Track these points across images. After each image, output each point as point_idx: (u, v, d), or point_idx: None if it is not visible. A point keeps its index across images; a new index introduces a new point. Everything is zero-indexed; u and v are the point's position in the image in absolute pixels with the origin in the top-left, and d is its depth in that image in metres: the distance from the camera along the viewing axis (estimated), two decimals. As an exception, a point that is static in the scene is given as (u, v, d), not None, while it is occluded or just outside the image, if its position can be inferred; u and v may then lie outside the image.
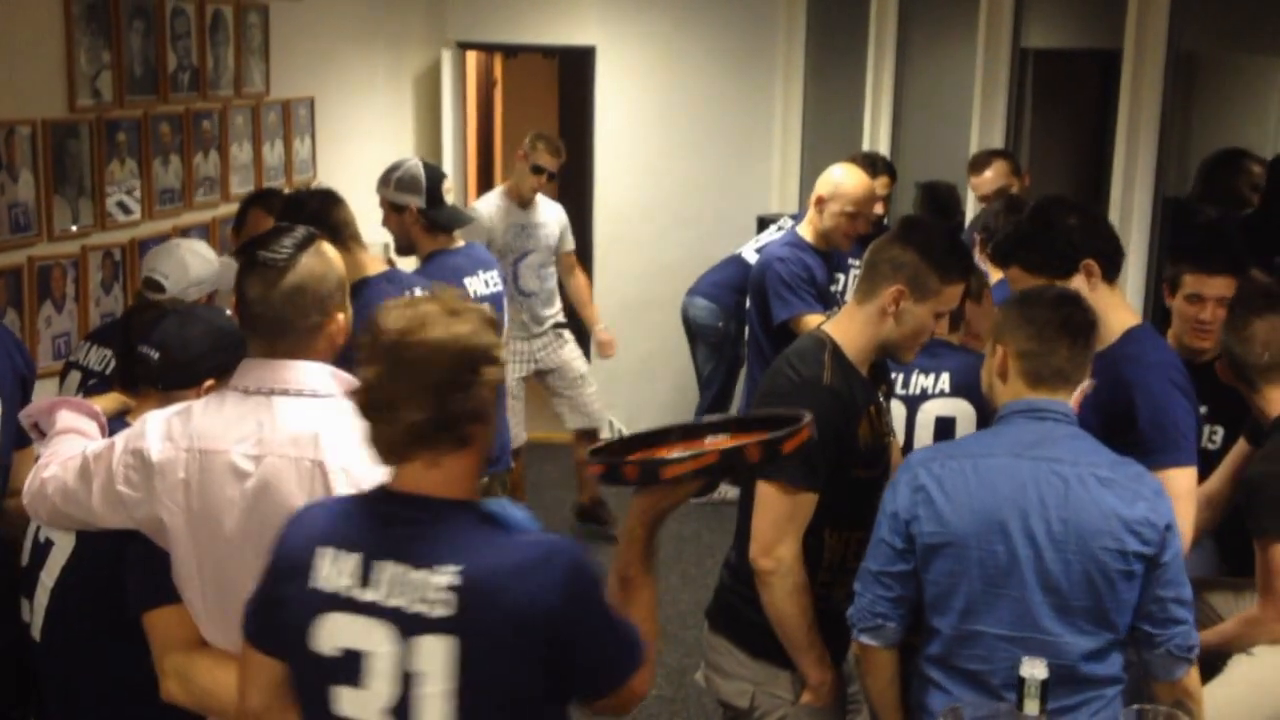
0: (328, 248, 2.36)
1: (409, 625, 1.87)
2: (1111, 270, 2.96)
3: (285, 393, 2.24)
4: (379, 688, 1.88)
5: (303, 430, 2.19)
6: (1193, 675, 2.57)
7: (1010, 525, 2.46)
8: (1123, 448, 2.66)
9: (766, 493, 2.72)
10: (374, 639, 1.88)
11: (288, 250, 2.27)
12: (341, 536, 1.94)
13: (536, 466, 6.41)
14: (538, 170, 5.85)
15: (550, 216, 6.00)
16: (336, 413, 2.23)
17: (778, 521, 2.70)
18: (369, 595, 1.89)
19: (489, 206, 5.86)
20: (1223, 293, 3.39)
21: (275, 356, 2.27)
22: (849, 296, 3.21)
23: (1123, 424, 2.79)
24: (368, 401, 1.94)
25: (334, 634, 1.91)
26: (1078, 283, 2.88)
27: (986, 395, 2.75)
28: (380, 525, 1.93)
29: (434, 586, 1.85)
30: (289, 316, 2.26)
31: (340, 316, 2.34)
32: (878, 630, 2.59)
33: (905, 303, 2.75)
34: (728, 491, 5.78)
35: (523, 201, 5.90)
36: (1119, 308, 2.99)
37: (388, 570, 1.89)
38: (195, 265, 3.59)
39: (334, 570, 1.92)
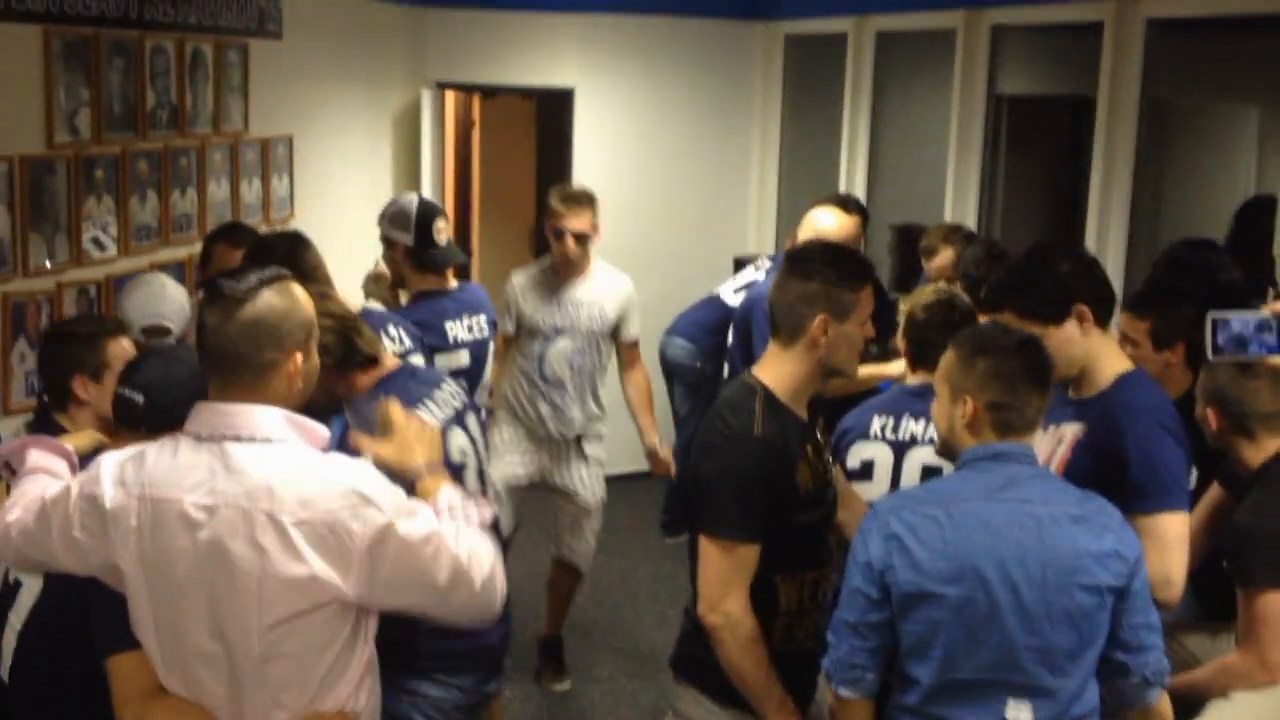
0: (297, 289, 2.31)
1: None
2: (1104, 315, 2.95)
3: (238, 439, 2.20)
4: None
5: (256, 481, 2.16)
6: (1165, 702, 2.57)
7: (987, 571, 2.46)
8: (1115, 492, 2.66)
9: (707, 548, 2.70)
10: None
11: (250, 284, 2.23)
12: None
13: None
14: (557, 235, 4.72)
15: (601, 294, 4.82)
16: (291, 460, 2.20)
17: (721, 577, 2.68)
18: None
19: (521, 275, 4.94)
20: (1127, 331, 3.62)
21: (229, 394, 2.22)
22: None
23: (1115, 469, 2.79)
24: None
25: None
26: (1069, 328, 2.88)
27: (944, 440, 2.72)
28: None
29: None
30: (243, 350, 2.21)
31: (298, 357, 2.27)
32: (856, 682, 2.56)
33: (832, 328, 2.75)
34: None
35: (562, 272, 4.81)
36: (1112, 353, 2.98)
37: None
38: (184, 298, 3.59)
39: None
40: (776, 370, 2.80)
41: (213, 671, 2.19)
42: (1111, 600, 2.47)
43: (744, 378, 2.85)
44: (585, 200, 4.73)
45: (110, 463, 2.24)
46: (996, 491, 2.52)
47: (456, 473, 2.91)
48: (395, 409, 2.58)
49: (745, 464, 2.66)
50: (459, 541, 2.26)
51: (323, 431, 2.32)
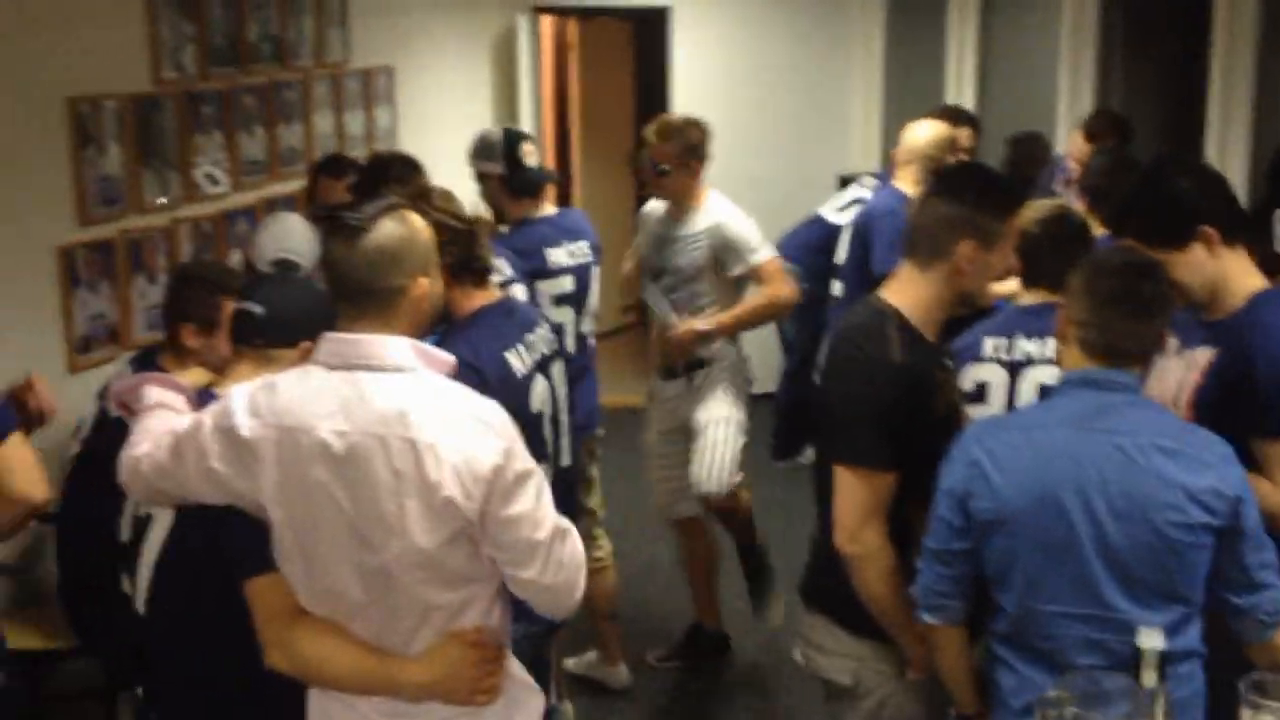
0: (413, 216, 2.35)
1: None
2: (1232, 233, 2.77)
3: (369, 368, 2.22)
4: None
5: (389, 408, 2.18)
6: None
7: (1067, 500, 2.38)
8: (1248, 417, 2.57)
9: (844, 478, 2.65)
10: None
11: (370, 213, 2.27)
12: None
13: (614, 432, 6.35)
14: (654, 168, 4.43)
15: (702, 228, 4.41)
16: (421, 388, 2.22)
17: (859, 506, 2.64)
18: None
19: (650, 205, 4.69)
20: None
21: (359, 324, 2.26)
22: None
23: (1245, 392, 2.68)
24: None
25: None
26: (1196, 251, 2.75)
27: (1057, 357, 2.66)
28: None
29: None
30: (369, 279, 2.25)
31: (424, 281, 2.31)
32: (941, 609, 2.53)
33: (979, 255, 2.68)
34: (812, 455, 5.76)
35: (672, 210, 4.51)
36: (1244, 272, 2.79)
37: None
38: (312, 237, 3.62)
39: None
40: (910, 293, 2.72)
41: (354, 594, 2.23)
42: (1209, 539, 2.37)
43: (872, 301, 2.77)
44: (665, 130, 4.44)
45: (241, 394, 2.26)
46: (1085, 419, 2.43)
47: (534, 422, 2.91)
48: None
49: (883, 391, 2.60)
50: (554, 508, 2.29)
51: (449, 359, 2.34)
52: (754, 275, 4.41)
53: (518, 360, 2.91)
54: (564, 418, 3.17)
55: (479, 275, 2.95)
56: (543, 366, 3.03)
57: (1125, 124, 5.33)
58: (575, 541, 2.32)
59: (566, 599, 2.33)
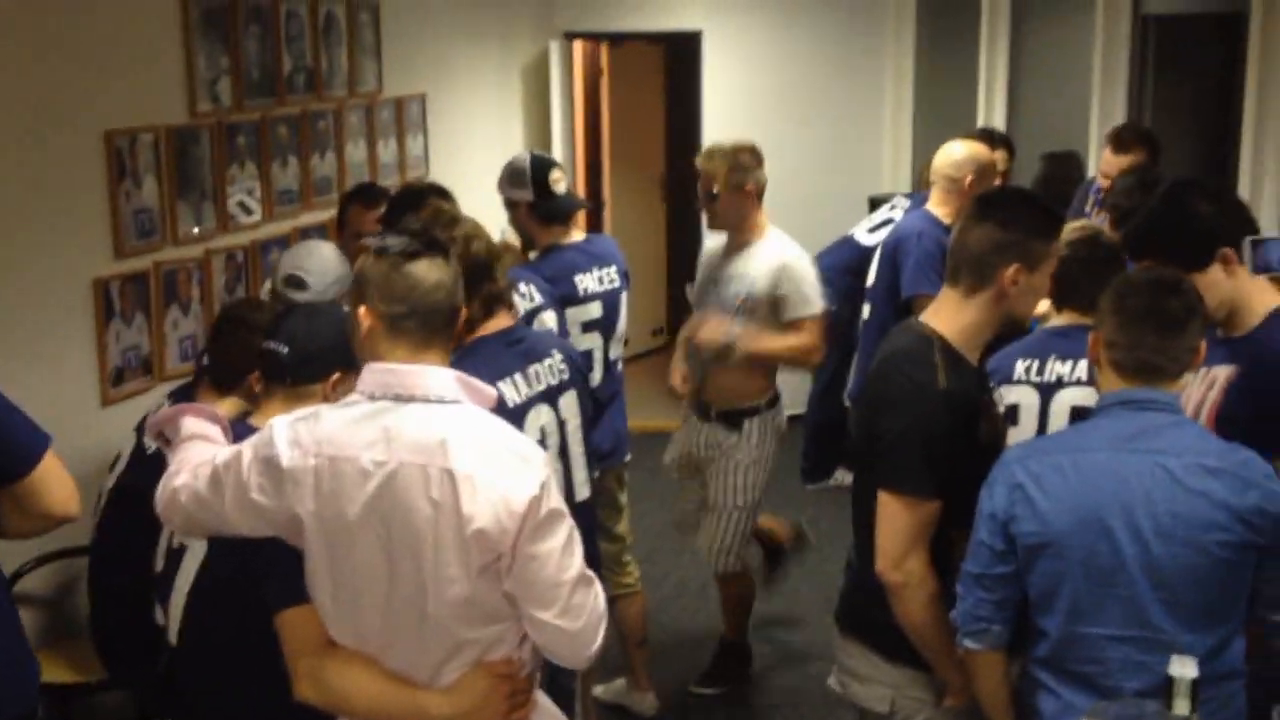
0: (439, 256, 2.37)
1: None
2: None
3: (412, 399, 2.25)
4: None
5: (429, 437, 2.20)
6: None
7: (1113, 522, 2.38)
8: (1272, 434, 2.56)
9: (889, 505, 2.64)
10: None
11: (411, 247, 2.30)
12: None
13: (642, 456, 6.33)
14: (706, 194, 4.34)
15: (758, 268, 4.28)
16: (462, 419, 2.24)
17: (903, 534, 2.62)
18: None
19: (711, 240, 4.60)
20: None
21: (430, 350, 2.28)
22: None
23: (1270, 409, 2.67)
24: None
25: None
26: (1214, 272, 2.76)
27: (1090, 379, 2.65)
28: None
29: None
30: (453, 302, 2.31)
31: (463, 311, 2.40)
32: (982, 634, 2.52)
33: (1024, 278, 2.68)
34: (844, 478, 5.73)
35: (730, 243, 4.41)
36: (1262, 290, 2.84)
37: None
38: (336, 263, 3.66)
39: None
40: (954, 319, 2.72)
41: (387, 626, 2.24)
42: (1253, 558, 2.36)
43: (915, 326, 2.77)
44: (712, 152, 4.36)
45: (282, 424, 2.28)
46: (1127, 440, 2.43)
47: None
48: None
49: (930, 419, 2.59)
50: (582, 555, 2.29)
51: (492, 392, 2.36)
52: (799, 324, 4.28)
53: (512, 390, 2.91)
54: (576, 449, 3.15)
55: (488, 305, 2.95)
56: (548, 397, 3.03)
57: (1152, 137, 5.30)
58: (599, 593, 2.31)
59: (583, 648, 2.30)
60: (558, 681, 2.90)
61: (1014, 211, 2.72)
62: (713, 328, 4.29)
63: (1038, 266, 2.69)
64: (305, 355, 2.61)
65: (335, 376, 2.60)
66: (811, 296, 4.29)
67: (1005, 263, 2.67)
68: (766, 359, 4.37)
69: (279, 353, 2.61)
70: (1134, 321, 2.48)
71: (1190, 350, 2.51)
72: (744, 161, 4.32)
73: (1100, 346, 2.54)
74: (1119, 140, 5.12)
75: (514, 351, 2.99)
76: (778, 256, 4.29)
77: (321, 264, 3.67)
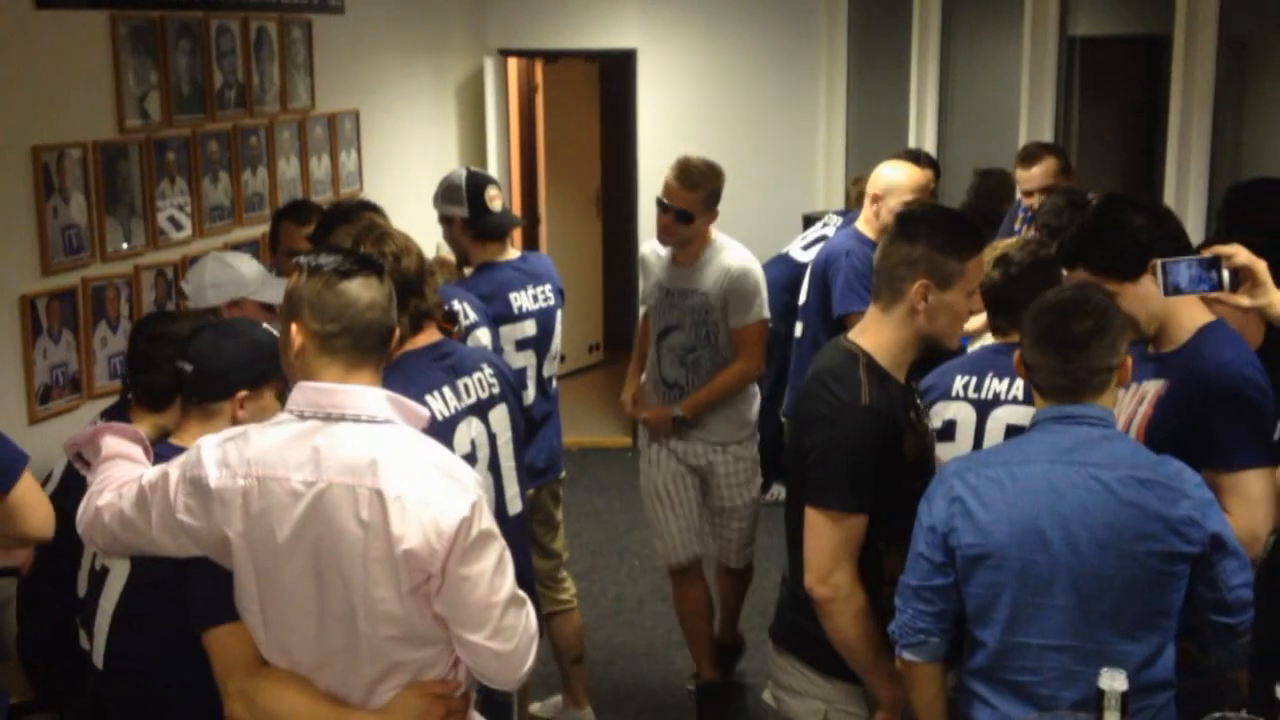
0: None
1: None
2: None
3: (342, 418, 2.23)
4: None
5: (359, 457, 2.18)
6: None
7: (1050, 533, 2.41)
8: (1199, 448, 2.61)
9: (816, 520, 2.67)
10: None
11: (346, 266, 2.28)
12: None
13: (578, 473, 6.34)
14: (661, 207, 4.33)
15: (712, 279, 4.31)
16: (393, 440, 2.22)
17: (830, 548, 2.65)
18: None
19: (648, 255, 4.59)
20: None
21: (363, 370, 2.26)
22: None
23: (1198, 424, 2.72)
24: None
25: None
26: (1145, 284, 2.80)
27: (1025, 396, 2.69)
28: None
29: None
30: (386, 320, 2.29)
31: (396, 329, 2.37)
32: (921, 646, 2.54)
33: (933, 295, 2.70)
34: (779, 493, 5.77)
35: (676, 255, 4.41)
36: (1191, 305, 2.86)
37: None
38: (212, 269, 3.67)
39: None
40: (877, 336, 2.76)
41: (319, 646, 2.22)
42: (1186, 568, 2.40)
43: (842, 343, 2.79)
44: (689, 176, 4.28)
45: (210, 444, 2.26)
46: (1063, 454, 2.47)
47: (465, 462, 2.92)
48: None
49: (854, 434, 2.62)
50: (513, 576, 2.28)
51: (424, 412, 2.35)
52: (740, 332, 4.32)
53: (440, 404, 2.90)
54: (508, 463, 3.14)
55: (416, 321, 2.94)
56: (478, 410, 3.01)
57: (1056, 146, 5.41)
58: (530, 614, 2.30)
59: (514, 670, 2.28)
60: (494, 699, 2.88)
61: (925, 227, 2.74)
62: (657, 415, 4.42)
63: (949, 284, 2.71)
64: (209, 373, 2.59)
65: (242, 394, 2.58)
66: (747, 306, 4.33)
67: (913, 278, 2.70)
68: (715, 401, 4.40)
69: (185, 370, 2.60)
70: (1039, 343, 2.52)
71: (1097, 370, 2.51)
72: (719, 187, 4.38)
73: (1018, 362, 2.58)
74: (1026, 155, 5.24)
75: (442, 366, 2.97)
76: (726, 265, 4.33)
77: (196, 271, 3.71)
